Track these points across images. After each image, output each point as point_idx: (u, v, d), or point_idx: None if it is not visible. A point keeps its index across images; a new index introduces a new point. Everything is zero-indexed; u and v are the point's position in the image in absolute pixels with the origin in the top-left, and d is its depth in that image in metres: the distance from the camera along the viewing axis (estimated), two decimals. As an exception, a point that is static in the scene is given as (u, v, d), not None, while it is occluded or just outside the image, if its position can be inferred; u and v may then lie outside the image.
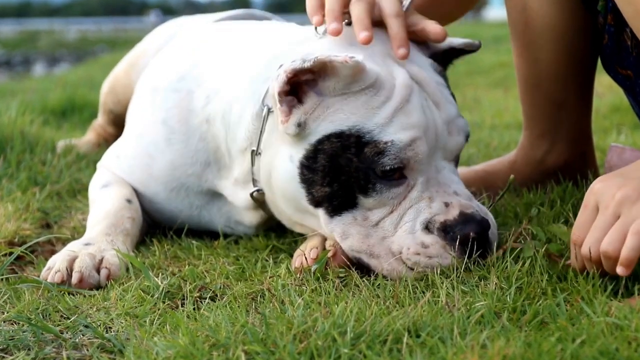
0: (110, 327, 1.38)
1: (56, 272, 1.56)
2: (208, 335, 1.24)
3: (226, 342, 1.20)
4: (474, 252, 1.48)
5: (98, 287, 1.58)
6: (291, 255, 1.66)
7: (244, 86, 1.69)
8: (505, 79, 5.74)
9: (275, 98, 1.53)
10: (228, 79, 1.75)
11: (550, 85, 1.99)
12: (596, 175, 2.10)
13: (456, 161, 1.64)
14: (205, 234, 1.89)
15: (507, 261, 1.46)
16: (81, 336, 1.34)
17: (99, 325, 1.38)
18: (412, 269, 1.49)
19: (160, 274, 1.60)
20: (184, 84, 1.83)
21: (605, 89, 4.09)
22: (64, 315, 1.43)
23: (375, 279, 1.49)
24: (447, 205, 1.52)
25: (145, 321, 1.37)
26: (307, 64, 1.48)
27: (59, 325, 1.39)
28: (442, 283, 1.41)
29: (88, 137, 2.94)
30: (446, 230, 1.49)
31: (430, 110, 1.56)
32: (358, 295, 1.41)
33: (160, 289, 1.49)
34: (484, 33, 11.48)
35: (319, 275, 1.51)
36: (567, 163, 2.07)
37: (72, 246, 1.66)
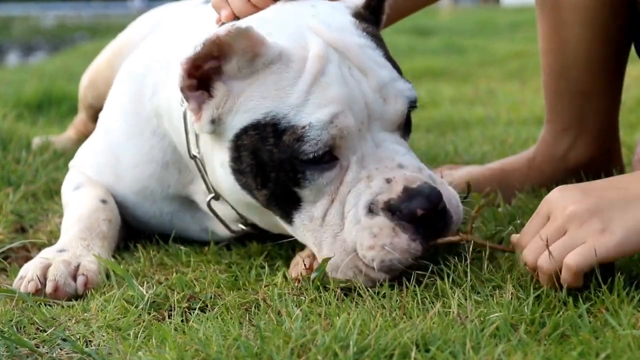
0: (90, 341, 1.38)
1: (29, 282, 1.57)
2: (197, 350, 1.24)
3: (217, 357, 1.21)
4: (430, 230, 1.45)
5: (76, 296, 1.58)
6: (288, 262, 1.66)
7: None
8: (522, 70, 5.75)
9: (182, 95, 1.52)
10: (172, 68, 1.71)
11: (578, 73, 1.99)
12: (622, 174, 2.10)
13: (407, 130, 1.59)
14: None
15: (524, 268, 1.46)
16: (59, 350, 1.34)
17: (79, 339, 1.38)
18: (373, 268, 1.46)
19: (145, 283, 1.60)
20: (141, 70, 1.84)
21: (632, 81, 4.09)
22: (40, 328, 1.43)
23: (380, 288, 1.48)
24: (389, 181, 1.48)
25: (129, 334, 1.37)
26: (199, 49, 1.46)
27: (34, 338, 1.39)
28: (454, 292, 1.41)
29: (68, 134, 2.95)
30: (391, 210, 1.45)
31: (356, 80, 1.51)
32: (361, 306, 1.41)
33: (146, 299, 1.49)
34: (499, 19, 11.49)
35: (318, 284, 1.51)
36: (591, 160, 2.07)
37: (45, 253, 1.66)
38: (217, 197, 1.71)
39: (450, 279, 1.46)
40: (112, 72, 2.55)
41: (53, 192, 2.31)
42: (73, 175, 1.97)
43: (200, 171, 1.68)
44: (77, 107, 2.98)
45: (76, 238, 1.72)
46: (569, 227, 1.35)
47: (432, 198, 1.46)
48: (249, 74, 1.50)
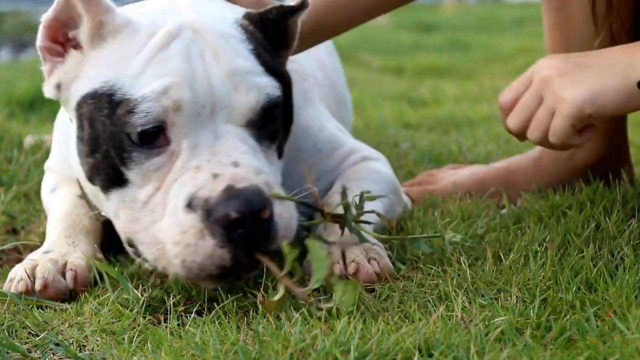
0: (84, 345, 1.38)
1: (18, 282, 1.57)
2: (194, 355, 1.24)
3: (214, 362, 1.20)
4: (247, 241, 1.37)
5: (68, 297, 1.58)
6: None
7: None
8: (528, 66, 5.69)
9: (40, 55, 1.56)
10: None
11: None
12: (630, 174, 2.10)
13: (268, 133, 1.51)
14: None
15: (530, 270, 1.46)
16: (51, 355, 1.34)
17: (72, 343, 1.38)
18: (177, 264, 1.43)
19: (140, 286, 1.60)
20: None
21: (640, 78, 4.08)
22: (32, 332, 1.43)
23: (382, 290, 1.48)
24: (215, 176, 1.42)
25: (123, 338, 1.37)
26: (53, 8, 1.51)
27: (26, 343, 1.39)
28: (457, 295, 1.41)
29: (60, 133, 2.93)
30: (207, 210, 1.39)
31: (203, 60, 1.48)
32: (362, 309, 1.41)
33: (141, 302, 1.49)
34: (503, 15, 11.48)
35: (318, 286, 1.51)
36: (598, 159, 2.07)
37: (32, 255, 1.67)
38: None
39: (454, 282, 1.46)
40: None
41: (45, 193, 2.30)
42: (48, 177, 1.97)
43: None
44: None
45: (60, 237, 1.72)
46: (543, 91, 1.45)
47: (252, 202, 1.37)
48: (99, 43, 1.52)
